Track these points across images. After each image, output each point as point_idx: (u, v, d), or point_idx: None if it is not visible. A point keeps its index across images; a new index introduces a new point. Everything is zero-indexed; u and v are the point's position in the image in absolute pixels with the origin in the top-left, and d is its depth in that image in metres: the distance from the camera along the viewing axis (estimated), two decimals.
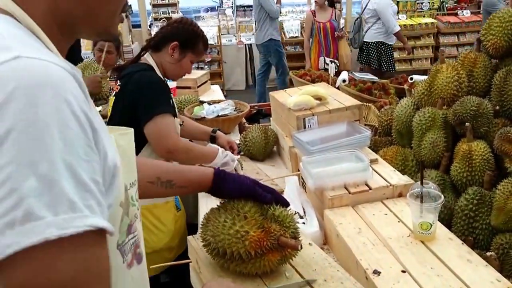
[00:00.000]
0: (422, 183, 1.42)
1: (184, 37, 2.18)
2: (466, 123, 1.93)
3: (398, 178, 1.76)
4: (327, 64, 6.00)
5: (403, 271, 1.31)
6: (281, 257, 1.17)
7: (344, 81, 4.22)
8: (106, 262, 0.65)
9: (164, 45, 2.18)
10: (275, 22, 6.91)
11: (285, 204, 1.25)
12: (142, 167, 1.19)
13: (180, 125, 2.25)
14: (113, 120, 2.15)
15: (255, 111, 4.06)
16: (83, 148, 0.63)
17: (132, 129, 0.94)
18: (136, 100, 2.05)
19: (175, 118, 2.15)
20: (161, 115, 2.01)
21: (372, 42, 6.34)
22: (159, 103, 2.04)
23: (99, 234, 0.62)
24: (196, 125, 2.64)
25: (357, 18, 6.64)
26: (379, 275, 1.30)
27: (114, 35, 0.87)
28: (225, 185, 1.21)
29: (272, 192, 1.24)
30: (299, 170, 1.92)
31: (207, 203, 2.09)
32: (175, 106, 2.29)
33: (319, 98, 2.28)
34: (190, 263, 1.42)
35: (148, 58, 2.20)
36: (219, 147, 2.28)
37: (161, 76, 2.19)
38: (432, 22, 8.78)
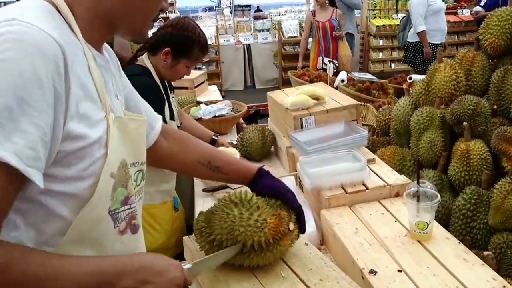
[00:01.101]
0: (418, 183, 1.42)
1: (176, 44, 2.10)
2: (464, 123, 1.93)
3: (395, 178, 1.75)
4: (325, 64, 6.00)
5: (400, 271, 1.30)
6: (291, 240, 1.23)
7: (342, 81, 4.22)
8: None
9: (158, 50, 2.12)
10: (353, 16, 7.02)
11: (303, 227, 1.30)
12: (195, 148, 1.33)
13: (178, 127, 2.23)
14: None
15: (252, 112, 4.05)
16: (31, 95, 0.76)
17: (145, 118, 1.07)
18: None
19: (172, 121, 2.14)
20: None
21: (412, 42, 6.27)
22: (157, 109, 2.01)
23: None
24: (196, 126, 2.62)
25: (404, 17, 6.56)
26: (375, 274, 1.29)
27: (145, 37, 1.02)
28: (263, 181, 1.30)
29: (299, 206, 1.30)
30: (296, 170, 1.91)
31: (203, 204, 2.10)
32: (174, 107, 2.27)
33: (316, 98, 2.27)
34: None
35: (145, 60, 2.16)
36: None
37: (157, 79, 2.15)
38: None
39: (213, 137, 2.58)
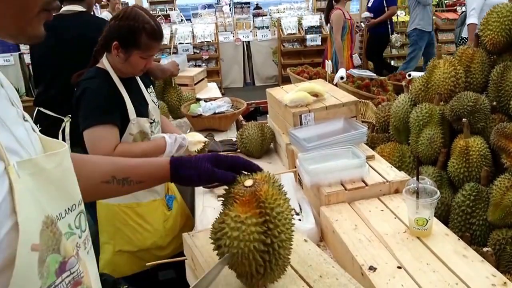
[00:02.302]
0: (418, 179, 1.42)
1: (122, 35, 2.00)
2: (463, 119, 1.92)
3: (394, 174, 1.75)
4: (357, 61, 6.06)
5: (399, 267, 1.30)
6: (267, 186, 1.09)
7: (342, 78, 4.22)
8: None
9: (109, 46, 2.04)
10: (426, 11, 6.91)
11: (255, 169, 1.19)
12: (94, 168, 1.15)
13: (151, 123, 2.17)
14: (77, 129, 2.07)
15: (252, 109, 4.06)
16: None
17: (66, 147, 0.82)
18: (77, 112, 2.03)
19: (142, 117, 2.10)
20: (90, 129, 1.96)
21: (465, 37, 5.97)
22: (91, 115, 1.97)
23: None
24: (164, 122, 2.51)
25: (463, 12, 6.46)
26: (374, 271, 1.29)
27: (36, 37, 0.78)
28: (184, 172, 1.17)
29: (234, 164, 1.18)
30: (295, 167, 1.91)
31: (203, 201, 2.10)
32: (151, 102, 2.21)
33: (315, 95, 2.27)
34: (186, 261, 1.42)
35: (104, 61, 2.10)
36: (164, 134, 2.19)
37: (116, 78, 2.07)
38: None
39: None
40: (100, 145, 1.95)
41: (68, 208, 0.78)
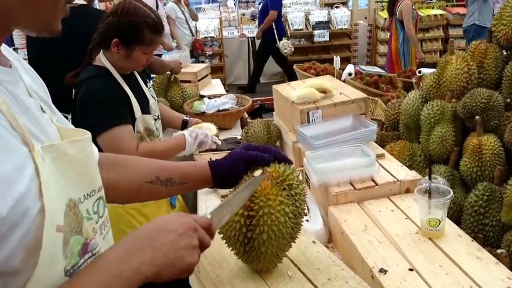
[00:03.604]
0: (430, 178, 1.37)
1: (123, 32, 1.92)
2: (476, 117, 1.88)
3: (405, 174, 1.70)
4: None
5: (411, 269, 1.25)
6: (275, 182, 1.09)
7: (350, 74, 4.16)
8: None
9: (108, 43, 1.95)
10: (487, 5, 6.39)
11: (283, 159, 1.18)
12: (138, 168, 1.16)
13: (155, 119, 2.14)
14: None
15: (257, 106, 4.01)
16: None
17: (88, 134, 0.86)
18: (83, 115, 1.97)
19: (146, 114, 2.06)
20: (107, 132, 1.90)
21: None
22: (104, 118, 1.92)
23: None
24: (164, 109, 2.49)
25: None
26: (385, 273, 1.25)
27: (57, 31, 0.79)
28: (223, 164, 1.16)
29: (266, 150, 1.18)
30: (302, 166, 1.87)
31: (206, 201, 2.05)
32: (151, 98, 2.17)
33: (323, 91, 2.22)
34: None
35: (102, 58, 2.02)
36: (183, 131, 2.15)
37: (117, 76, 2.02)
38: (442, 14, 8.68)
39: (185, 118, 2.47)
40: (123, 147, 1.89)
41: (88, 194, 0.82)
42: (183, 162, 1.23)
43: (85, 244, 0.77)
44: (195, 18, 7.43)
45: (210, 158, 1.20)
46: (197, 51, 7.46)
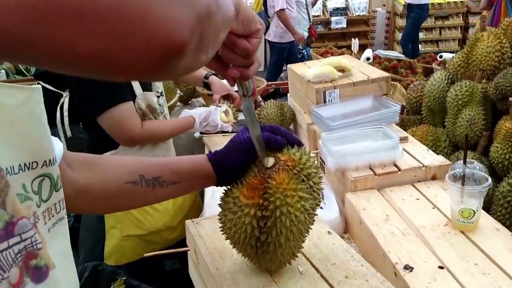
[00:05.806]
0: (465, 162, 1.20)
1: None
2: (510, 98, 1.71)
3: (431, 159, 1.54)
4: None
5: (441, 267, 1.09)
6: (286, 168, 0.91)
7: (368, 59, 4.00)
8: None
9: None
10: None
11: (294, 141, 0.95)
12: (117, 167, 0.94)
13: (158, 96, 2.02)
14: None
15: (272, 90, 3.87)
16: None
17: (38, 85, 0.65)
18: (79, 95, 1.88)
19: (149, 92, 1.94)
20: (109, 111, 1.80)
21: None
22: (104, 96, 1.82)
23: None
24: None
25: None
26: (411, 271, 1.09)
27: None
28: (230, 159, 0.93)
29: (274, 130, 0.95)
30: (317, 149, 1.71)
31: (213, 192, 1.90)
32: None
33: (342, 70, 2.05)
34: (188, 251, 1.23)
35: None
36: (194, 115, 2.05)
37: None
38: (462, 1, 8.40)
39: (204, 80, 2.30)
40: (127, 125, 1.81)
41: (25, 164, 0.61)
42: (177, 157, 1.01)
43: (10, 223, 0.56)
44: None
45: (210, 153, 0.98)
46: None
